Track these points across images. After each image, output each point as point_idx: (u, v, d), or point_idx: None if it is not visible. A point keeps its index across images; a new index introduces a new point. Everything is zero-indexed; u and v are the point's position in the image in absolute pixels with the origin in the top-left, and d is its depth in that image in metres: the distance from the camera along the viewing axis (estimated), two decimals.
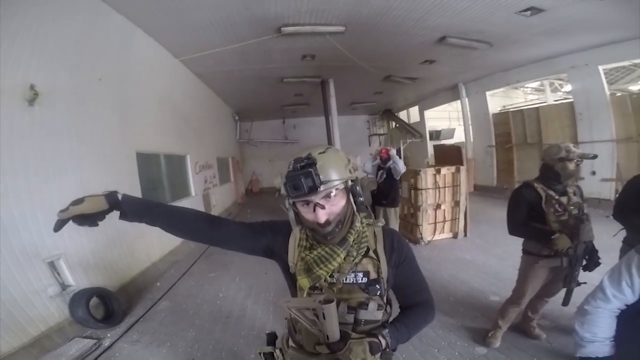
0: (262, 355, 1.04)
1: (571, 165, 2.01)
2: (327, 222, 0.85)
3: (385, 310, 0.95)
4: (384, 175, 4.28)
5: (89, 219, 0.84)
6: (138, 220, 0.91)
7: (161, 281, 4.20)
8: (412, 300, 1.03)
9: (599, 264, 2.06)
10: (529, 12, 4.62)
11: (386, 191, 4.33)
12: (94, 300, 3.01)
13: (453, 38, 5.55)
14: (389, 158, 4.17)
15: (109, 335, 2.89)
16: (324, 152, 0.85)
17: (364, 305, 0.89)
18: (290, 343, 1.00)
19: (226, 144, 10.94)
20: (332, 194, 0.84)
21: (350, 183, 0.88)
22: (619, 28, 5.31)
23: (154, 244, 4.55)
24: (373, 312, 0.89)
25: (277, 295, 3.49)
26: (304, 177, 0.77)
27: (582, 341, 1.18)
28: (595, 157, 2.20)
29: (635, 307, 1.11)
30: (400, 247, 0.97)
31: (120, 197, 0.88)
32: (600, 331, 1.14)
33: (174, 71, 6.02)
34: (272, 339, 1.08)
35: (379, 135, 15.88)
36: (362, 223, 0.95)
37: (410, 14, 4.63)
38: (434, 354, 2.36)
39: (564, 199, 2.05)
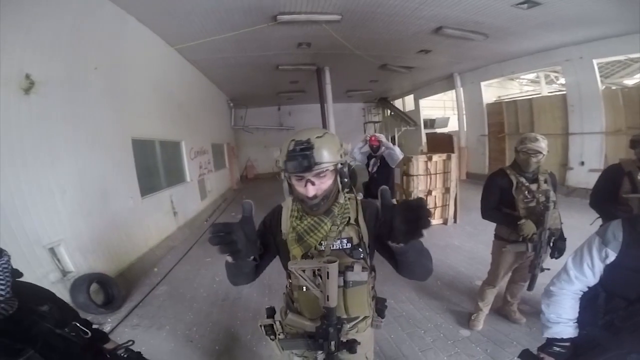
0: (262, 327, 1.12)
1: (522, 156, 2.10)
2: (315, 196, 0.97)
3: (370, 273, 1.07)
4: (377, 164, 3.89)
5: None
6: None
7: (159, 266, 4.24)
8: None
9: (563, 252, 2.10)
10: (525, 5, 4.61)
11: (380, 182, 3.47)
12: (94, 286, 3.04)
13: (449, 29, 5.54)
14: (379, 146, 3.83)
15: (109, 320, 2.93)
16: (321, 136, 0.97)
17: (350, 268, 1.00)
18: (288, 314, 1.10)
19: (221, 130, 10.87)
20: (322, 174, 0.96)
21: (339, 166, 1.01)
22: (615, 23, 5.32)
23: (150, 229, 4.59)
24: (359, 273, 1.00)
25: (272, 278, 3.56)
26: (301, 158, 0.91)
27: (547, 322, 1.21)
28: (539, 153, 2.06)
29: (594, 290, 1.14)
30: (377, 213, 1.05)
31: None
32: (564, 312, 1.17)
33: (168, 59, 5.95)
34: (271, 312, 1.16)
35: (374, 122, 15.83)
36: (345, 197, 1.08)
37: (406, 4, 4.60)
38: (420, 334, 2.47)
39: (533, 186, 2.10)
